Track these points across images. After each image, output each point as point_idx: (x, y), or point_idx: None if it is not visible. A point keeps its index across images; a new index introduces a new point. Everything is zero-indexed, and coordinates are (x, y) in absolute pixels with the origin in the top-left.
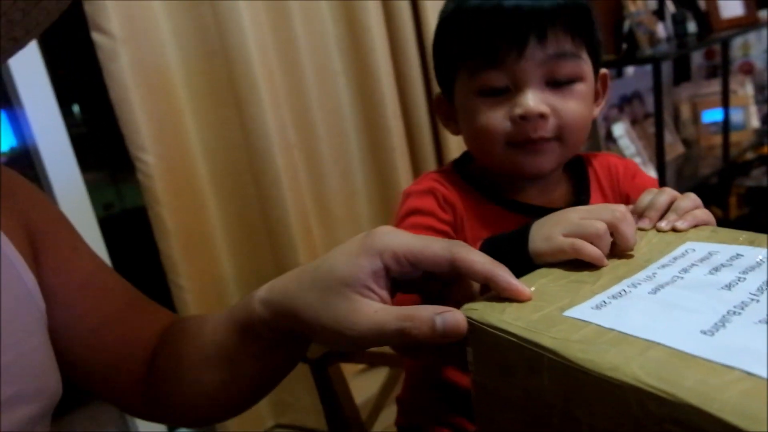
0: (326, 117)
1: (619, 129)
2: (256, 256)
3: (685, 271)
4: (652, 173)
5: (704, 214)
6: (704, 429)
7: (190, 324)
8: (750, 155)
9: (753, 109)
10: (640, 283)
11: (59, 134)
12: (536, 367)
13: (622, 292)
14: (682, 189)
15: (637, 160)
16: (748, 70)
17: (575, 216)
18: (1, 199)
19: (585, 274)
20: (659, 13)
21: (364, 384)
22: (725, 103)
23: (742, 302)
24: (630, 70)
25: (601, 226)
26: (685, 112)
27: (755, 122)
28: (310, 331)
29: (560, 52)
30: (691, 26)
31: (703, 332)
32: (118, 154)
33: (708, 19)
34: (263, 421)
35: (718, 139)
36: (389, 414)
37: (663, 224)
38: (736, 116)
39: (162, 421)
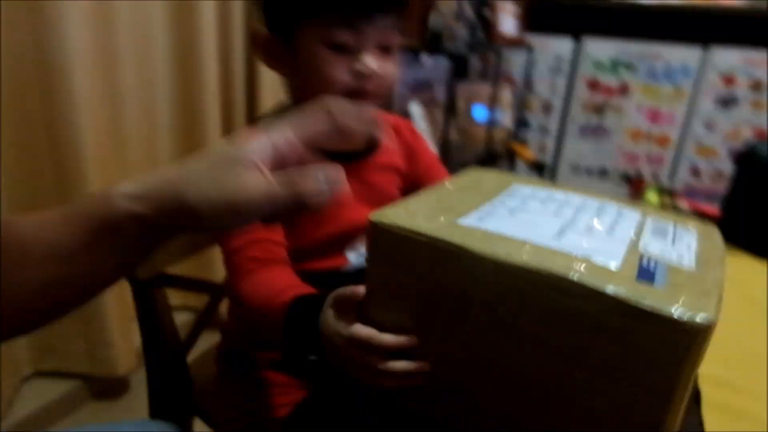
0: (133, 45)
1: (416, 109)
2: (35, 182)
3: (524, 201)
4: None
5: None
6: (568, 291)
7: None
8: (500, 149)
9: (508, 113)
10: (496, 207)
11: None
12: (441, 260)
13: (490, 211)
14: (449, 170)
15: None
16: (509, 80)
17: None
18: None
19: (452, 202)
20: (458, 17)
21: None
22: (492, 104)
23: (567, 221)
24: (426, 60)
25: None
26: (461, 105)
27: (508, 123)
28: (198, 213)
29: (393, 24)
30: (479, 35)
31: (553, 236)
32: None
33: (490, 31)
34: (20, 368)
35: (481, 132)
36: (205, 340)
37: None
38: (497, 116)
39: None
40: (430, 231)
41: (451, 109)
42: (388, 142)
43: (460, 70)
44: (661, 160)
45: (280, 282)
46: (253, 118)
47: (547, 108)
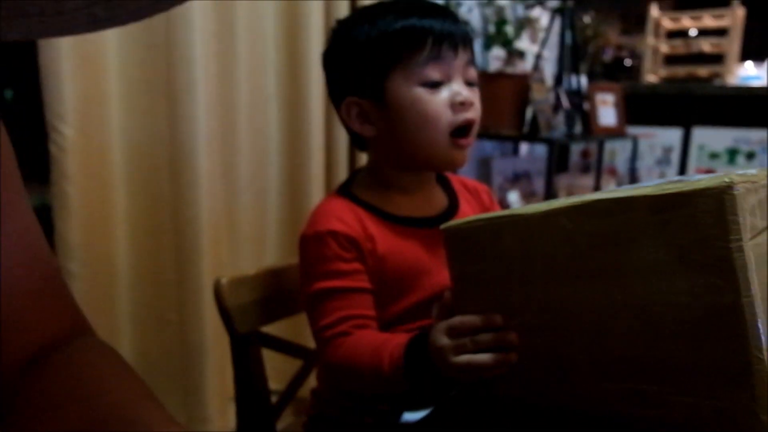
0: (251, 136)
1: (514, 197)
2: (157, 255)
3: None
4: None
5: None
6: (604, 211)
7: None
8: None
9: None
10: (555, 201)
11: None
12: (498, 234)
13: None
14: None
15: None
16: (612, 172)
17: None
18: None
19: (515, 210)
20: (555, 108)
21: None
22: None
23: (620, 189)
24: (524, 151)
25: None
26: (561, 197)
27: None
28: None
29: (471, 59)
30: (577, 127)
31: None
32: None
33: (589, 123)
34: None
35: None
36: (295, 405)
37: None
38: None
39: None
40: (487, 216)
41: (549, 194)
42: (467, 206)
43: (560, 162)
44: None
45: (380, 336)
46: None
47: None
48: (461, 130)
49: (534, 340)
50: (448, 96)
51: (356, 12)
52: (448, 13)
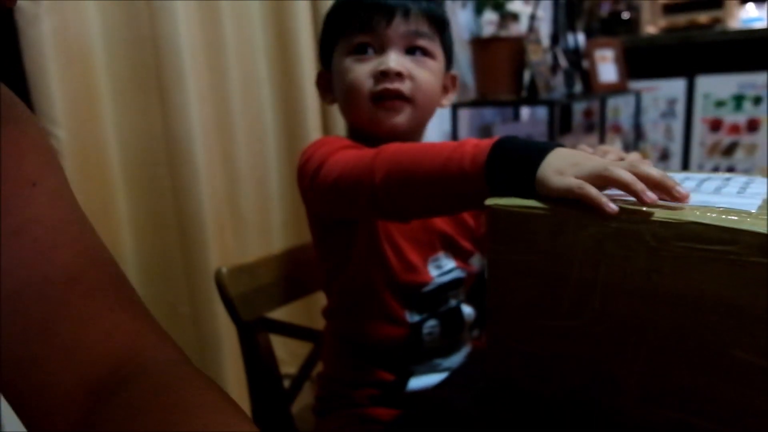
0: (247, 123)
1: None
2: (164, 250)
3: None
4: None
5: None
6: (701, 236)
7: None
8: None
9: None
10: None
11: None
12: (561, 230)
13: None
14: None
15: None
16: (617, 129)
17: (599, 161)
18: None
19: None
20: (553, 68)
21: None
22: None
23: (692, 188)
24: (525, 115)
25: (627, 176)
26: None
27: None
28: None
29: (419, 30)
30: (577, 87)
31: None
32: None
33: (590, 80)
34: None
35: None
36: (306, 394)
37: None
38: None
39: None
40: (546, 206)
41: None
42: None
43: (563, 123)
44: None
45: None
46: None
47: (665, 155)
48: (384, 97)
49: (581, 347)
50: (374, 66)
51: None
52: None
